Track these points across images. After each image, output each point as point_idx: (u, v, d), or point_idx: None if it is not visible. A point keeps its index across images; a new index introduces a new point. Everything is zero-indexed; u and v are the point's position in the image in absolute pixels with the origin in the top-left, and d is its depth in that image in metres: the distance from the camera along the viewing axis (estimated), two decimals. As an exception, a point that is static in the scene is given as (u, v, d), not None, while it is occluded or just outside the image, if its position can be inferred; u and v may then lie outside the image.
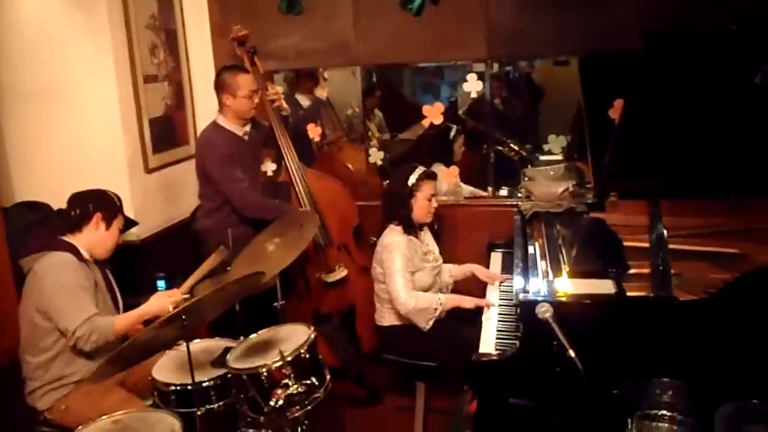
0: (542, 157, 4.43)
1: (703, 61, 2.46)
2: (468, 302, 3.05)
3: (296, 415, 2.44)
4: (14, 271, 2.97)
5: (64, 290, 2.51)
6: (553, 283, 2.59)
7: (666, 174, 2.85)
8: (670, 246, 2.62)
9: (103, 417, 2.30)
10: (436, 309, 3.01)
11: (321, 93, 4.00)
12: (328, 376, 2.60)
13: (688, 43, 2.50)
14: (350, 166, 4.13)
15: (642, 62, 2.57)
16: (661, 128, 2.74)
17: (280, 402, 2.35)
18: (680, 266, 2.58)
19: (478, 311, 3.01)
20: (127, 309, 2.91)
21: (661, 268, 2.50)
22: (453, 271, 3.38)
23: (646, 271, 2.64)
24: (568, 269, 2.69)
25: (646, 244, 2.83)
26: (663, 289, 2.41)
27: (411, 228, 3.18)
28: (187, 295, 2.75)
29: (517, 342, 2.55)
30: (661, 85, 2.60)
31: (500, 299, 3.10)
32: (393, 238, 3.12)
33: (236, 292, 2.45)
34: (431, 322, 3.01)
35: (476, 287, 3.34)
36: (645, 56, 2.53)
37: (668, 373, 2.32)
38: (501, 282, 3.22)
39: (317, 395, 2.48)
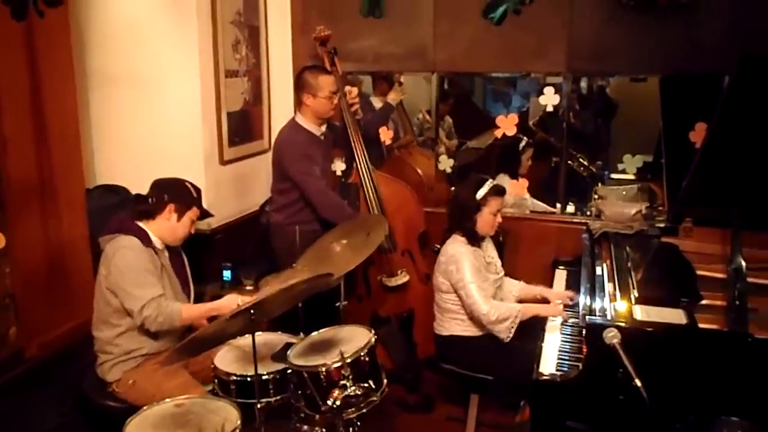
0: (613, 176, 4.34)
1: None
2: (545, 311, 3.06)
3: (351, 416, 2.47)
4: (93, 249, 3.11)
5: (131, 272, 2.60)
6: (622, 308, 2.54)
7: (747, 203, 2.75)
8: (749, 279, 2.53)
9: (167, 400, 2.38)
10: (516, 317, 2.99)
11: (393, 98, 3.99)
12: (385, 381, 2.61)
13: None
14: (419, 171, 4.13)
15: (734, 85, 2.50)
16: (747, 155, 2.66)
17: (337, 402, 2.38)
18: (758, 302, 2.48)
19: (539, 327, 2.97)
20: (194, 296, 3.00)
21: (737, 302, 2.41)
22: (518, 291, 3.33)
23: (720, 303, 2.56)
24: (636, 294, 2.63)
25: (721, 275, 2.75)
26: (738, 324, 2.33)
27: (474, 239, 3.16)
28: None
29: (578, 364, 2.52)
30: (750, 110, 2.52)
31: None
32: (458, 248, 3.11)
33: (304, 291, 2.49)
34: (512, 332, 2.99)
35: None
36: (737, 79, 2.46)
37: (737, 412, 2.26)
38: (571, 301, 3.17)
39: (373, 399, 2.49)
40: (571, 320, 2.97)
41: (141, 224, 2.72)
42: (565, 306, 3.14)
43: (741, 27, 3.35)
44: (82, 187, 3.31)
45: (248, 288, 3.39)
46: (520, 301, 3.29)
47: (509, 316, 2.98)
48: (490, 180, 3.17)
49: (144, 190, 2.83)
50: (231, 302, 2.70)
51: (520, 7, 3.58)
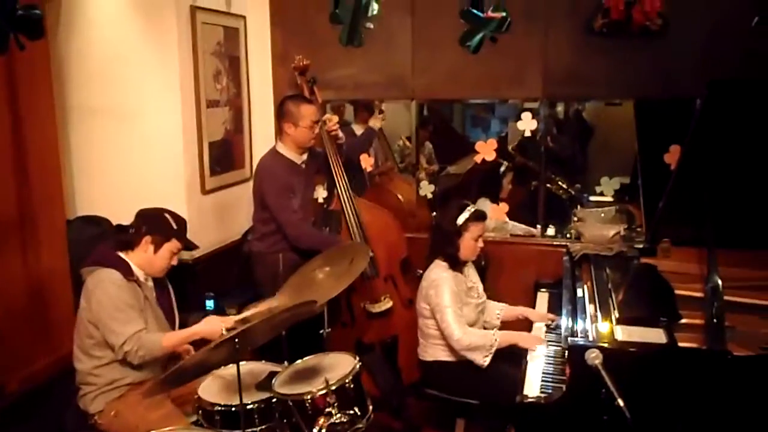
0: (592, 198, 4.40)
1: (766, 111, 2.45)
2: (524, 340, 3.04)
3: (337, 444, 2.46)
4: (74, 280, 3.08)
5: (111, 306, 2.58)
6: (603, 329, 2.57)
7: (723, 222, 2.80)
8: (726, 297, 2.57)
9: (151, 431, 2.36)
10: (492, 345, 2.97)
11: (374, 123, 4.03)
12: (371, 407, 2.61)
13: (752, 94, 2.49)
14: (400, 197, 4.16)
15: (704, 109, 2.57)
16: (720, 176, 2.72)
17: (323, 430, 2.37)
18: (735, 319, 2.52)
19: (522, 350, 2.99)
20: (179, 326, 2.98)
21: (715, 320, 2.45)
22: (502, 313, 3.34)
23: (698, 321, 2.59)
24: (617, 315, 2.66)
25: (699, 294, 2.78)
26: (716, 342, 2.37)
27: (457, 264, 3.17)
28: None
29: (561, 385, 2.54)
30: (721, 133, 2.59)
31: (546, 340, 3.07)
32: (439, 273, 3.12)
33: (287, 319, 2.49)
34: (488, 359, 2.97)
35: (522, 328, 3.31)
36: (707, 104, 2.53)
37: (719, 429, 2.29)
38: (552, 322, 3.19)
39: (359, 426, 2.49)
40: (551, 346, 2.99)
41: (122, 255, 2.71)
42: (548, 328, 3.17)
43: (710, 53, 3.46)
44: (63, 219, 3.30)
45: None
46: (503, 323, 3.31)
47: (484, 344, 2.97)
48: (471, 206, 3.18)
49: (126, 220, 2.82)
50: (210, 325, 2.68)
51: (496, 35, 3.67)
